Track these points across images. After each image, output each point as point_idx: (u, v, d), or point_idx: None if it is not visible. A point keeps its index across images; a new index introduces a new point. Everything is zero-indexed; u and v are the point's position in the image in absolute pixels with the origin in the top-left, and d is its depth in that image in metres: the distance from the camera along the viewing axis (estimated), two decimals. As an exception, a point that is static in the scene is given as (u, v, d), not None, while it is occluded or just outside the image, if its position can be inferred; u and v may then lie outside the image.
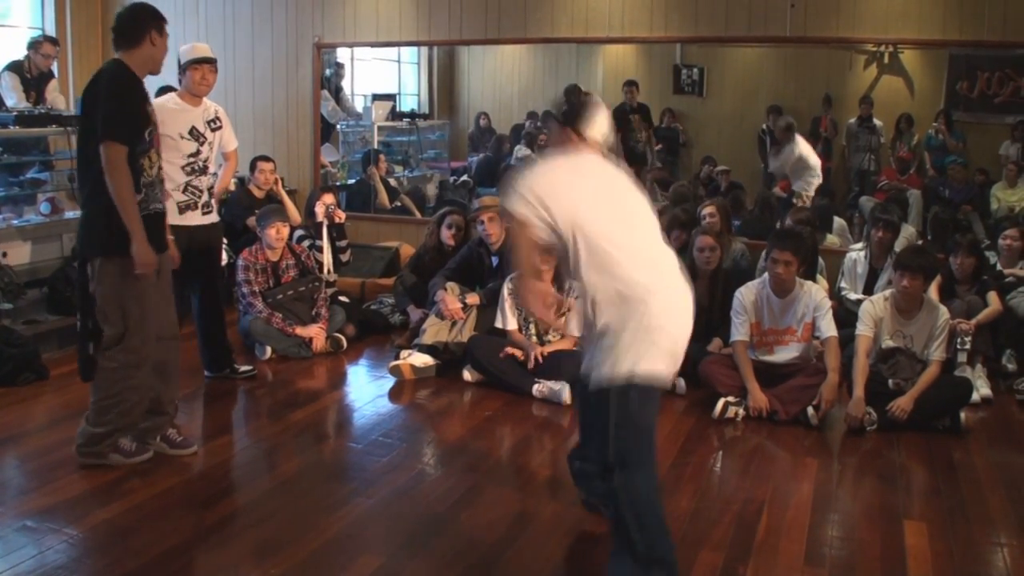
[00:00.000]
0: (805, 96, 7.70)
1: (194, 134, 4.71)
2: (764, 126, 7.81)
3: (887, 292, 4.88)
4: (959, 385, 4.72)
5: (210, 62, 4.77)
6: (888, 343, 4.75)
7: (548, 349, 5.09)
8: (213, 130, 4.84)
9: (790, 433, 4.56)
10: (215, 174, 4.96)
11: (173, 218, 4.65)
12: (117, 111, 3.64)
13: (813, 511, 3.67)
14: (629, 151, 7.81)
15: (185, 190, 4.71)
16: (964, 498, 3.84)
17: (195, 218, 4.76)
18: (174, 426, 4.15)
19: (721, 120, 8.22)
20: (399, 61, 9.25)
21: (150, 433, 4.06)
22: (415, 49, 8.95)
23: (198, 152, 4.73)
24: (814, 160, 7.39)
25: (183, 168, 4.70)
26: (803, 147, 7.37)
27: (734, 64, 8.13)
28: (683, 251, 5.83)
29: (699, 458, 4.25)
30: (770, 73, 7.90)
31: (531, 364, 5.04)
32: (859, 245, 6.12)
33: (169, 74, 4.83)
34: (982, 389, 5.11)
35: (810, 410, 4.62)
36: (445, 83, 9.33)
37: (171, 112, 4.67)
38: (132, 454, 3.93)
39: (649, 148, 8.15)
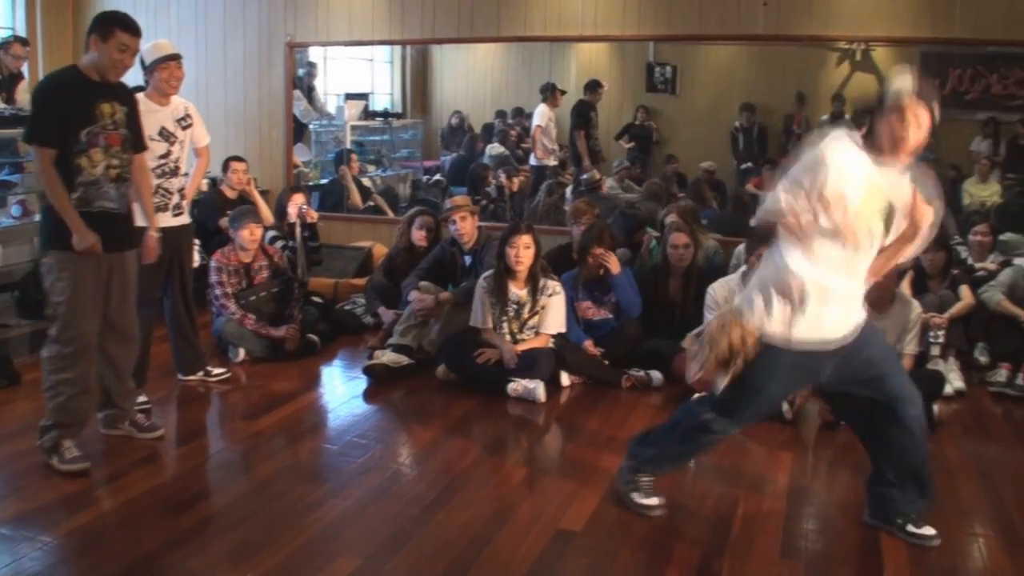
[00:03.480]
0: (778, 93, 7.72)
1: (164, 135, 4.62)
2: (736, 123, 7.86)
3: (860, 287, 4.89)
4: (932, 378, 4.75)
5: (176, 59, 4.63)
6: (861, 337, 4.77)
7: (522, 347, 5.07)
8: (184, 128, 4.74)
9: (764, 427, 4.55)
10: (187, 174, 4.88)
11: (143, 219, 4.60)
12: (37, 114, 3.78)
13: (788, 504, 3.69)
14: (590, 149, 7.86)
15: (155, 192, 4.62)
16: (938, 490, 3.85)
17: (165, 219, 4.67)
18: (143, 411, 4.34)
19: (694, 118, 8.24)
20: (372, 60, 9.20)
21: (113, 421, 4.24)
22: (388, 48, 8.91)
23: (168, 153, 4.64)
24: None
25: (153, 170, 4.61)
26: None
27: (707, 62, 8.16)
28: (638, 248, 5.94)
29: (675, 454, 4.25)
30: (743, 71, 7.93)
31: (512, 364, 5.00)
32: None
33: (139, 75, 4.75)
34: (955, 382, 5.16)
35: (784, 404, 4.63)
36: (418, 82, 9.29)
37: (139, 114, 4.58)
38: (65, 461, 3.84)
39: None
